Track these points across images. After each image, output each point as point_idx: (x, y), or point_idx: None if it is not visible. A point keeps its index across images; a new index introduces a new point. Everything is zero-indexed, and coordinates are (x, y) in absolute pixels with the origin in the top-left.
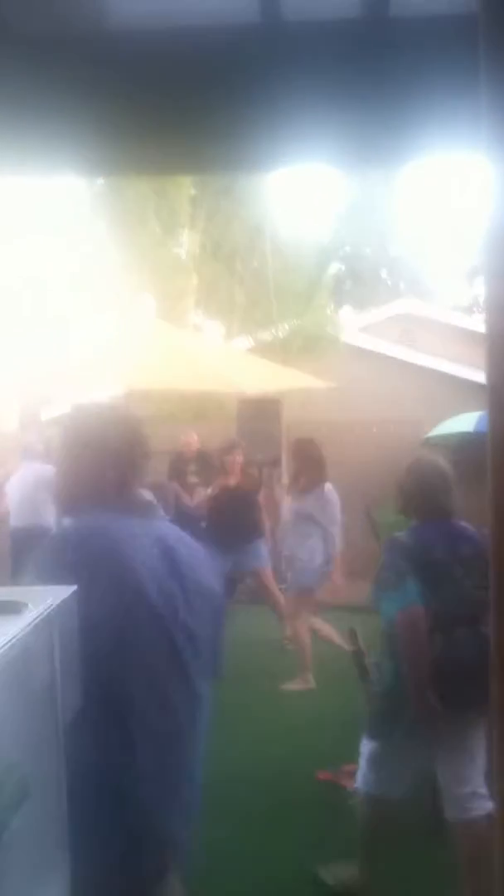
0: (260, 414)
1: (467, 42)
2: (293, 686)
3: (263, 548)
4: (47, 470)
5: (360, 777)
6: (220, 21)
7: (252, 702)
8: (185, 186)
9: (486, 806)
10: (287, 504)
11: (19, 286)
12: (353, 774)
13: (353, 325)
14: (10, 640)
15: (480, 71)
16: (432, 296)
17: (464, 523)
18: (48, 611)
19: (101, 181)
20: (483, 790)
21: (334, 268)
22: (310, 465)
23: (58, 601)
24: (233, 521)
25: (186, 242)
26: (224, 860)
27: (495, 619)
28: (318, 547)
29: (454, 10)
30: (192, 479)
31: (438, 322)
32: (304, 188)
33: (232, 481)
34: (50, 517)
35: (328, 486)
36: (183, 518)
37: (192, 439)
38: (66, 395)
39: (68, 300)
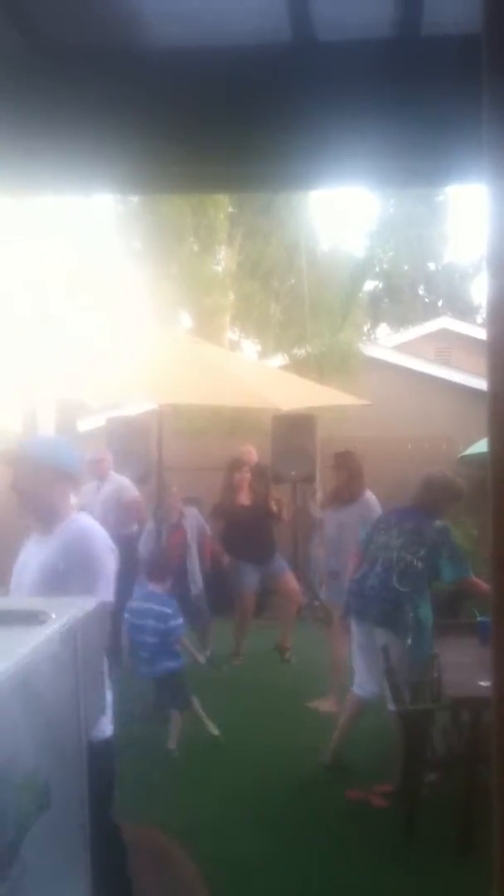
0: (294, 430)
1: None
2: (321, 706)
3: (282, 560)
4: (125, 482)
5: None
6: (253, 41)
7: (278, 718)
8: (224, 204)
9: None
10: (328, 517)
11: (57, 301)
12: (383, 794)
13: (389, 343)
14: (31, 650)
15: (483, 91)
16: (471, 313)
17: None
18: (71, 621)
19: (136, 198)
20: None
21: (371, 285)
22: (352, 476)
23: (81, 612)
24: (255, 538)
25: (223, 260)
26: (250, 876)
27: (495, 619)
28: None
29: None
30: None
31: (475, 339)
32: (341, 205)
33: (245, 500)
34: (132, 528)
35: (369, 493)
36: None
37: (250, 451)
38: (103, 409)
39: (107, 315)
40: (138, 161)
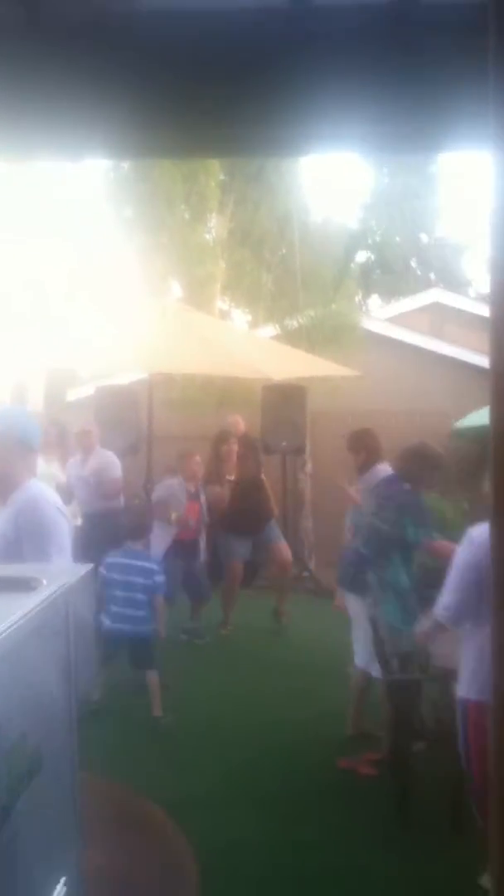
0: (285, 401)
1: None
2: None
3: (277, 529)
4: (110, 459)
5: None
6: (250, 4)
7: (267, 688)
8: (215, 171)
9: None
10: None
11: (45, 271)
12: (373, 763)
13: (381, 315)
14: (24, 616)
15: (489, 60)
16: (463, 286)
17: None
18: (63, 588)
19: (126, 165)
20: None
21: (363, 256)
22: (369, 454)
23: (73, 579)
24: (247, 508)
25: (215, 228)
26: (242, 847)
27: (495, 618)
28: None
29: None
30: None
31: (468, 312)
32: (333, 175)
33: (233, 472)
34: (118, 503)
35: (381, 465)
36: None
37: (238, 422)
38: (92, 378)
39: (95, 282)
40: (132, 125)
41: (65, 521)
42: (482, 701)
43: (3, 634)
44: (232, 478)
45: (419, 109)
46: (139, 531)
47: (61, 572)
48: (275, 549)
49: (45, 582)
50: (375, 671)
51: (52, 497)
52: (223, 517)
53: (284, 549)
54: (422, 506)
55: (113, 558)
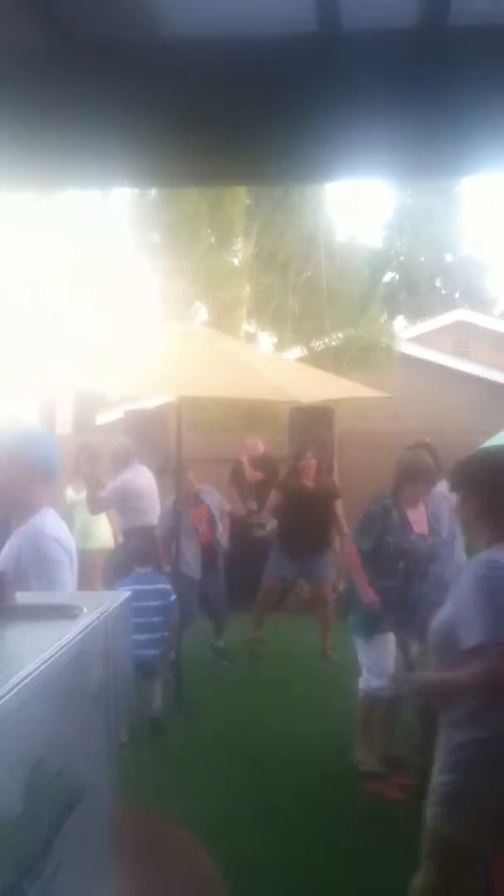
0: (312, 422)
1: None
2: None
3: (330, 561)
4: (146, 472)
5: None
6: (278, 31)
7: (295, 708)
8: (241, 197)
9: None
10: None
11: (77, 295)
12: (401, 787)
13: (406, 335)
14: (66, 644)
15: None
16: (487, 306)
17: None
18: (103, 615)
19: (153, 191)
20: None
21: (388, 276)
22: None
23: (112, 606)
24: (304, 526)
25: (240, 252)
26: (266, 870)
27: None
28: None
29: None
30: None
31: (493, 332)
32: (357, 196)
33: (309, 483)
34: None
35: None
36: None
37: (258, 444)
38: (120, 402)
39: (124, 309)
40: (158, 153)
41: (65, 555)
42: None
43: (46, 664)
44: (300, 492)
45: (446, 134)
46: (148, 557)
47: (101, 600)
48: (318, 586)
49: (85, 610)
50: (368, 687)
51: (57, 530)
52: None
53: (327, 591)
54: (370, 515)
55: (125, 586)
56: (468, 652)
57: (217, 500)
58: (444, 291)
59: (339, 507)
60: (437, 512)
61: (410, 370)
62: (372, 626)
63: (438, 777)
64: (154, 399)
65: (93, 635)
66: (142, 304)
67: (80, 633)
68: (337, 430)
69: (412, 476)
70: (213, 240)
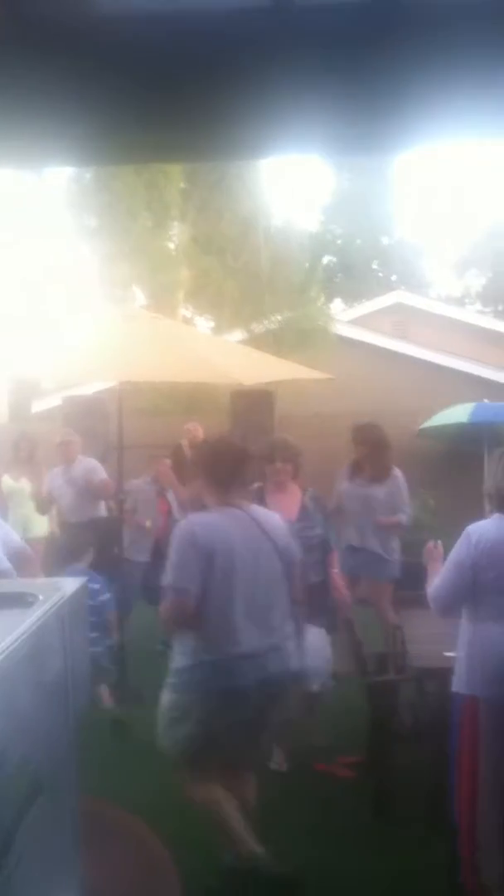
0: (253, 406)
1: (475, 30)
2: None
3: None
4: (93, 464)
5: None
6: (225, 6)
7: None
8: (176, 179)
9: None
10: (349, 490)
11: (8, 280)
12: (348, 765)
13: (345, 317)
14: (21, 634)
15: None
16: (424, 288)
17: None
18: (59, 603)
19: (89, 175)
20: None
21: (326, 259)
22: (375, 450)
23: (68, 594)
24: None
25: (177, 235)
26: (218, 849)
27: None
28: (393, 537)
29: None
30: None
31: (430, 313)
32: (295, 180)
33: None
34: (102, 510)
35: (397, 471)
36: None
37: (197, 429)
38: (57, 388)
39: (58, 293)
40: (92, 131)
41: None
42: (475, 696)
43: (3, 654)
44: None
45: (390, 110)
46: (79, 551)
47: (55, 587)
48: None
49: (41, 597)
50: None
51: None
52: None
53: None
54: None
55: None
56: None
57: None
58: (380, 274)
59: None
60: (401, 495)
61: (349, 352)
62: None
63: (163, 697)
64: (93, 385)
65: (49, 623)
66: (78, 289)
67: (37, 621)
68: (277, 413)
69: (270, 458)
70: (149, 223)
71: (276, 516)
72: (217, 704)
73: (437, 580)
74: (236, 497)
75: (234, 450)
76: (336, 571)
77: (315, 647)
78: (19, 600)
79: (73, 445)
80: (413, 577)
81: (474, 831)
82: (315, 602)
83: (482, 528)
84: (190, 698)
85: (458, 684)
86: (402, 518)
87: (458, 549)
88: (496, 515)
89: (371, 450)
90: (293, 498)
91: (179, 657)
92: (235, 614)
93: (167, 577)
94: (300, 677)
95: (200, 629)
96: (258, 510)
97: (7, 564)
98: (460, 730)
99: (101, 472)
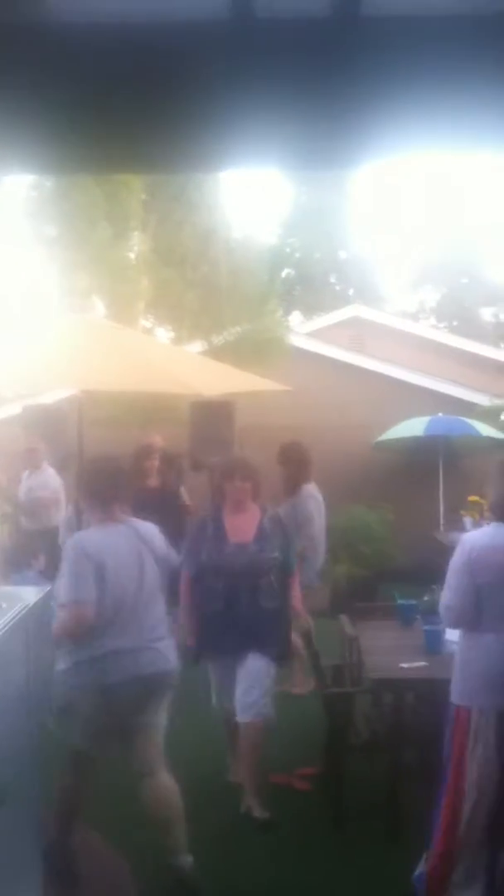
0: (212, 417)
1: (435, 43)
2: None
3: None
4: (52, 475)
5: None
6: (184, 16)
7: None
8: (136, 190)
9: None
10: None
11: None
12: (306, 777)
13: (303, 330)
14: None
15: None
16: (380, 302)
17: None
18: (23, 611)
19: (48, 183)
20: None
21: (284, 273)
22: (297, 468)
23: (31, 602)
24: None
25: (137, 246)
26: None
27: None
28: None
29: (425, 11)
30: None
31: (387, 327)
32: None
33: (152, 483)
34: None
35: (308, 487)
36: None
37: (154, 440)
38: (18, 397)
39: (18, 302)
40: (48, 140)
41: None
42: (467, 706)
43: None
44: (148, 493)
45: (350, 124)
46: (32, 557)
47: (19, 594)
48: None
49: (3, 605)
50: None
51: None
52: None
53: None
54: (189, 532)
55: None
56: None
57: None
58: (338, 287)
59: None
60: (304, 511)
61: (307, 365)
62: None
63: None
64: (53, 394)
65: (13, 632)
66: (37, 298)
67: (1, 630)
68: (237, 425)
69: (230, 476)
70: (108, 233)
71: (155, 528)
72: (96, 700)
73: (444, 592)
74: (117, 511)
75: (113, 467)
76: (296, 595)
77: (253, 679)
78: None
79: (37, 452)
80: (369, 588)
81: (453, 847)
82: (265, 629)
83: (475, 537)
84: (73, 695)
85: (454, 694)
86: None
87: (455, 558)
88: (493, 525)
89: (287, 467)
90: (251, 518)
91: (62, 659)
92: (117, 618)
93: (64, 593)
94: (172, 675)
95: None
96: (138, 523)
97: None
98: (453, 739)
99: (51, 485)
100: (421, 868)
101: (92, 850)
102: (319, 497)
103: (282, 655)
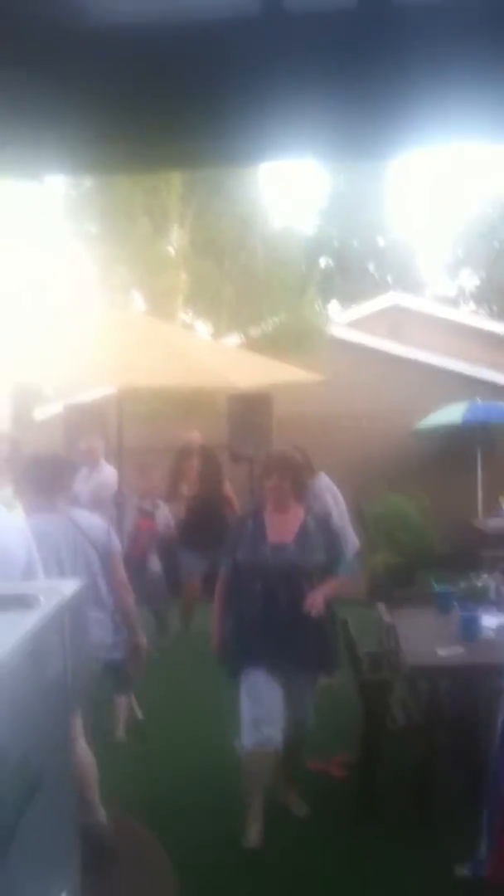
0: (250, 409)
1: (467, 31)
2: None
3: None
4: (111, 472)
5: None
6: (214, 14)
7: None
8: (175, 185)
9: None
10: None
11: (10, 285)
12: (343, 764)
13: (341, 319)
14: (28, 633)
15: None
16: (419, 288)
17: None
18: (59, 605)
19: (88, 182)
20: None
21: (323, 262)
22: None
23: (68, 596)
24: (200, 523)
25: (176, 240)
26: (214, 853)
27: None
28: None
29: (456, 2)
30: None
31: (425, 315)
32: (292, 184)
33: (193, 490)
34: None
35: (317, 483)
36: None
37: (194, 437)
38: (59, 396)
39: (59, 299)
40: (88, 142)
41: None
42: None
43: (6, 654)
44: (191, 494)
45: (385, 115)
46: None
47: (56, 589)
48: None
49: (42, 599)
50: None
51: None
52: (179, 533)
53: None
54: (230, 528)
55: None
56: None
57: (166, 520)
58: (376, 275)
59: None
60: (323, 508)
61: (346, 354)
62: (233, 670)
63: None
64: (92, 392)
65: (51, 625)
66: (79, 294)
67: (39, 622)
68: (275, 416)
69: (267, 473)
70: (148, 228)
71: (95, 518)
72: None
73: None
74: (58, 501)
75: (54, 459)
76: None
77: (279, 705)
78: (21, 602)
79: (96, 451)
80: (406, 576)
81: None
82: (306, 637)
83: None
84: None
85: None
86: None
87: None
88: None
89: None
90: (293, 518)
91: None
92: None
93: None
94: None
95: None
96: (76, 512)
97: None
98: None
99: (110, 484)
100: (482, 855)
101: (129, 834)
102: (333, 486)
103: (328, 667)
